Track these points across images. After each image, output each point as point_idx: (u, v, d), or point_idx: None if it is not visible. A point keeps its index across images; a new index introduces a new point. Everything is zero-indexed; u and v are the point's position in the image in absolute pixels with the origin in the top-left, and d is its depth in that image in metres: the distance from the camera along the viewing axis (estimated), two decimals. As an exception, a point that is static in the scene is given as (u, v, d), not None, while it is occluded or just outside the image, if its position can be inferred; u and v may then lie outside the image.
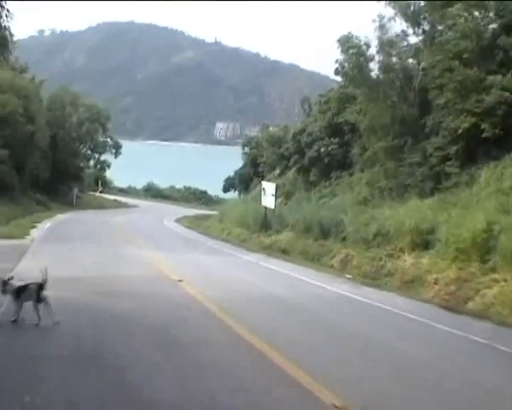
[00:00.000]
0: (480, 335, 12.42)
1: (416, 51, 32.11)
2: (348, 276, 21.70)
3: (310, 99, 58.91)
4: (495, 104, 24.65)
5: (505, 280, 15.56)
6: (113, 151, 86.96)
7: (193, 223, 52.95)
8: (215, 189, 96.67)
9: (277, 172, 53.86)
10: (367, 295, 17.35)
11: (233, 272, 22.21)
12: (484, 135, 24.84)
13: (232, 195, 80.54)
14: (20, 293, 10.70)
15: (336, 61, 33.63)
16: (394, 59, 32.61)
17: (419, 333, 12.88)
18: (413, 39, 32.64)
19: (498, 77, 24.98)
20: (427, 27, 31.71)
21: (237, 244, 34.27)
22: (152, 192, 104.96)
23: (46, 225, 40.59)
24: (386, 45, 32.21)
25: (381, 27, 32.22)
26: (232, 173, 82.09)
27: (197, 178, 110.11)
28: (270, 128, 69.21)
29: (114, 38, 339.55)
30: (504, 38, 25.82)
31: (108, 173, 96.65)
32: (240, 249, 31.53)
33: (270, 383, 8.40)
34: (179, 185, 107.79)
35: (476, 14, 27.69)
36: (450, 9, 27.54)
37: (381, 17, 32.12)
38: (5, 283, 10.74)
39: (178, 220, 55.77)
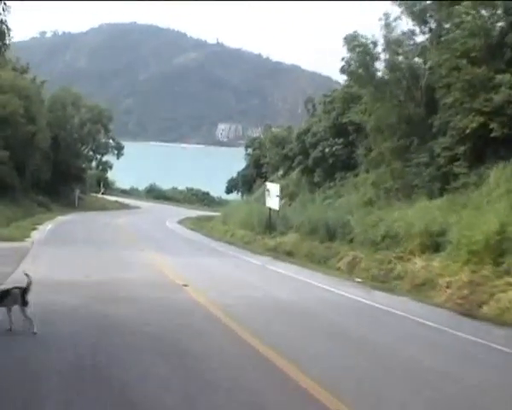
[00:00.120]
0: (502, 343, 11.86)
1: (422, 50, 31.63)
2: (358, 280, 21.14)
3: (314, 99, 58.45)
4: (503, 103, 24.18)
5: (521, 284, 15.10)
6: (115, 152, 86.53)
7: (196, 224, 52.65)
8: (217, 190, 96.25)
9: (281, 172, 53.43)
10: (378, 300, 16.83)
11: (239, 276, 21.75)
12: (492, 134, 24.34)
13: (235, 196, 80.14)
14: (4, 298, 10.45)
15: (342, 59, 33.21)
16: (400, 58, 32.14)
17: (436, 341, 12.34)
18: (419, 38, 32.23)
19: (507, 75, 24.51)
20: (433, 25, 31.22)
21: (241, 246, 33.89)
22: (154, 193, 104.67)
23: (47, 226, 40.40)
24: (393, 44, 31.75)
25: (387, 26, 31.78)
26: (235, 175, 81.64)
27: (199, 180, 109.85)
28: (273, 129, 68.74)
29: (116, 40, 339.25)
30: (513, 36, 25.40)
31: (110, 175, 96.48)
32: (244, 252, 31.13)
33: (284, 397, 7.92)
34: (181, 187, 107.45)
35: (484, 12, 27.25)
36: (457, 7, 27.11)
37: (387, 15, 31.70)
38: None
39: (181, 222, 55.51)
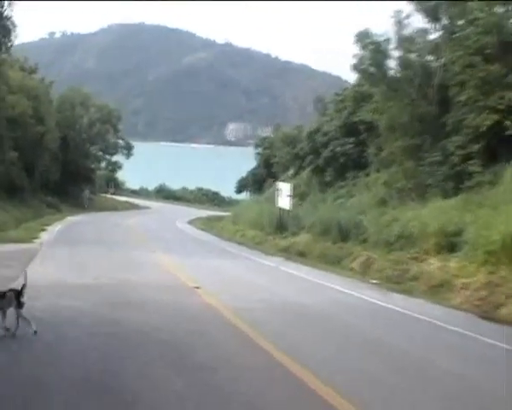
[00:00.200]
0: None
1: (435, 47, 31.25)
2: (373, 281, 20.77)
3: (323, 98, 58.12)
4: (518, 101, 23.87)
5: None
6: (125, 152, 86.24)
7: (206, 224, 52.46)
8: (227, 190, 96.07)
9: (291, 172, 53.04)
10: (394, 302, 16.46)
11: (252, 278, 21.34)
12: (507, 132, 23.96)
13: (245, 196, 79.94)
14: None
15: (354, 56, 32.89)
16: (413, 55, 31.76)
17: (453, 344, 12.00)
18: (432, 35, 31.83)
19: (521, 73, 24.23)
20: (446, 22, 30.83)
21: (252, 247, 33.57)
22: (164, 194, 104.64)
23: (56, 227, 40.25)
24: (405, 41, 31.38)
25: (399, 23, 31.41)
26: (245, 174, 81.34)
27: (209, 180, 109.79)
28: (283, 128, 68.41)
29: (125, 40, 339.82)
30: (527, 32, 25.06)
31: (120, 175, 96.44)
32: (256, 252, 30.81)
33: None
34: (191, 187, 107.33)
35: (497, 8, 26.89)
36: (470, 4, 26.79)
37: (399, 13, 31.32)
38: None
39: (191, 222, 55.33)
